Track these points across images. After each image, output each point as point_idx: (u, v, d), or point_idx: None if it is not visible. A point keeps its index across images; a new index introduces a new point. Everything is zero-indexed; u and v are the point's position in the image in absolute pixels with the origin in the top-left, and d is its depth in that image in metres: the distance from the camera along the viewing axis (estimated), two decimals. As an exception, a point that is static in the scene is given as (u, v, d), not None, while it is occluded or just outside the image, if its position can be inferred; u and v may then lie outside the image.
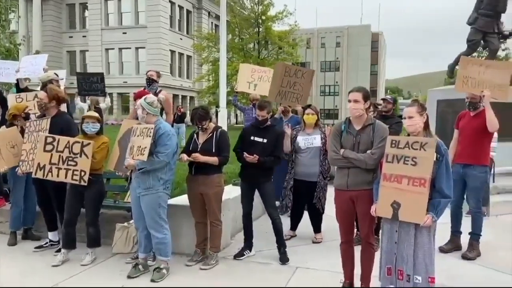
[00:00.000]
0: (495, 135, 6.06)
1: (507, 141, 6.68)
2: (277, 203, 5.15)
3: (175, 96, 39.73)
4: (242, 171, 4.81)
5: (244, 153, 4.51)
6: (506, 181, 7.10)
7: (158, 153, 4.06)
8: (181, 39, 41.16)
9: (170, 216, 4.43)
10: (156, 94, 5.51)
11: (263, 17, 33.73)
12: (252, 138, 4.67)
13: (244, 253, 4.74)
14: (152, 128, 4.02)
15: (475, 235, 4.86)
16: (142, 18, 38.71)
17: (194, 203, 4.56)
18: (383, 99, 5.67)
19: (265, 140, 4.63)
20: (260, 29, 34.09)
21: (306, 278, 4.21)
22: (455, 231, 5.02)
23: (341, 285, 3.76)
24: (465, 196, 5.03)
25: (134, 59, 39.01)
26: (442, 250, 4.91)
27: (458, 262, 4.67)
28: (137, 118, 4.45)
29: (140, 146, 4.05)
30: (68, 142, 4.44)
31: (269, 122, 4.78)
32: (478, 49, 11.27)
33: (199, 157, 4.34)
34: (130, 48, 38.84)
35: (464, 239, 4.97)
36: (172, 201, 4.91)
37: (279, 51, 34.53)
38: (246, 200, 4.79)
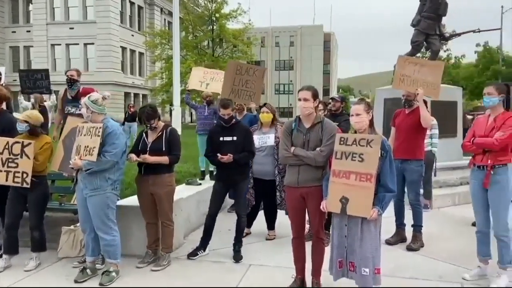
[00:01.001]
0: (436, 132, 6.44)
1: (447, 138, 7.09)
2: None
3: (126, 94, 38.63)
4: (218, 172, 4.78)
5: (218, 154, 4.48)
6: (446, 175, 7.54)
7: (105, 152, 3.93)
8: (132, 35, 40.07)
9: (119, 217, 4.31)
10: (78, 94, 5.39)
11: (217, 15, 33.54)
12: (221, 138, 4.63)
13: (198, 252, 4.70)
14: (100, 127, 3.88)
15: (417, 226, 5.11)
16: (90, 13, 37.26)
17: (144, 204, 4.46)
18: (332, 98, 5.83)
19: (235, 138, 4.61)
20: (214, 27, 33.88)
21: (259, 275, 4.25)
22: (400, 224, 5.25)
23: (292, 280, 3.82)
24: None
25: (83, 56, 37.53)
26: (389, 242, 5.11)
27: (404, 253, 4.88)
28: (65, 118, 4.28)
29: (88, 146, 3.90)
30: (8, 143, 4.21)
31: (234, 120, 4.77)
32: (422, 50, 11.88)
33: (148, 158, 4.25)
34: (78, 44, 37.29)
35: (410, 231, 5.20)
36: (122, 202, 4.78)
37: (234, 49, 34.49)
38: (217, 201, 4.76)
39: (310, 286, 3.75)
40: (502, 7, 29.30)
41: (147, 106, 4.57)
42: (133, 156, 4.26)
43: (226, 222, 5.35)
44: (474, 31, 9.09)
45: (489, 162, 3.91)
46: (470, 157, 4.21)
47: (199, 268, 4.43)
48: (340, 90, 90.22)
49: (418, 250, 4.95)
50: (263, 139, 5.18)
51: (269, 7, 69.04)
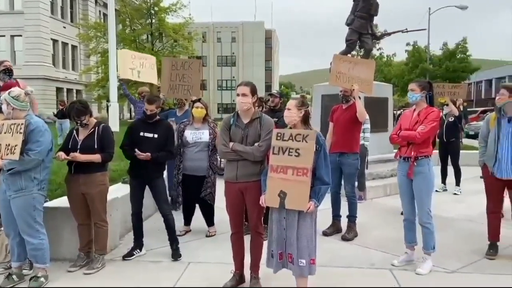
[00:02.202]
0: (368, 126, 6.75)
1: (379, 132, 7.46)
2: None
3: (59, 90, 36.51)
4: (132, 168, 4.61)
5: (136, 150, 4.32)
6: (379, 167, 7.94)
7: (29, 151, 3.66)
8: (64, 27, 37.86)
9: (48, 220, 4.07)
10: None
11: (156, 8, 32.60)
12: (141, 133, 4.48)
13: (134, 252, 4.56)
14: (22, 124, 3.62)
15: (352, 217, 5.33)
16: (18, 3, 34.73)
17: (75, 204, 4.23)
18: (270, 94, 5.91)
19: (155, 136, 4.48)
20: (153, 21, 32.93)
21: (198, 272, 4.21)
22: (336, 215, 5.45)
23: (231, 275, 3.82)
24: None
25: (9, 48, 34.88)
26: (325, 233, 5.30)
27: (339, 244, 5.07)
28: None
29: (9, 144, 3.63)
30: None
31: (158, 117, 4.64)
32: (357, 48, 12.38)
33: (78, 156, 4.03)
34: (4, 36, 34.61)
35: (345, 222, 5.40)
36: (51, 203, 4.54)
37: (174, 44, 33.76)
38: (136, 199, 4.60)
39: (249, 280, 3.78)
40: (429, 9, 31.25)
41: (76, 101, 4.34)
42: (61, 154, 4.02)
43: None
44: (402, 31, 9.62)
45: (412, 154, 4.16)
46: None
47: (135, 269, 4.30)
48: (282, 86, 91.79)
49: (352, 239, 5.16)
50: (196, 134, 5.12)
51: (209, 2, 68.32)
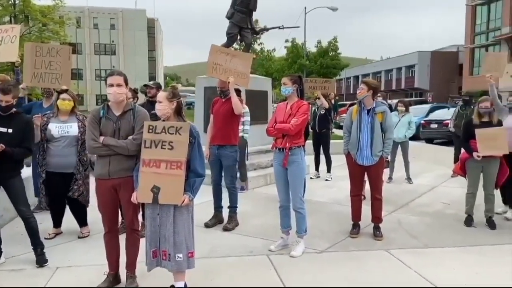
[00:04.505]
0: (248, 119, 6.96)
1: (259, 124, 7.73)
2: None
3: None
4: None
5: None
6: (259, 158, 8.26)
7: None
8: None
9: None
10: None
11: (19, -13, 28.95)
12: None
13: (-10, 262, 4.01)
14: None
15: (233, 207, 5.44)
16: None
17: None
18: (145, 85, 5.71)
19: (10, 130, 3.97)
20: (17, 1, 29.19)
21: (68, 277, 3.87)
22: (217, 207, 5.51)
23: (105, 277, 3.61)
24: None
25: None
26: (207, 225, 5.33)
27: (220, 234, 5.14)
28: None
29: None
30: None
31: (14, 109, 4.11)
32: (240, 42, 12.62)
33: None
34: None
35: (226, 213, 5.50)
36: None
37: (43, 28, 30.40)
38: None
39: (125, 280, 3.61)
40: (305, 8, 33.36)
41: None
42: None
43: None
44: (279, 28, 10.10)
45: (287, 145, 4.41)
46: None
47: (-9, 281, 3.79)
48: (167, 78, 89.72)
49: (233, 229, 5.28)
50: (63, 128, 4.68)
51: (83, -16, 63.15)
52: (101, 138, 3.43)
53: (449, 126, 9.46)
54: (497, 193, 5.70)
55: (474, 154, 5.23)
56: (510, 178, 5.44)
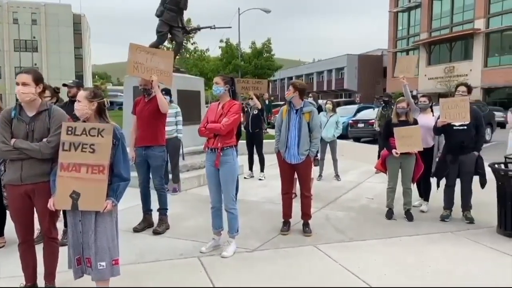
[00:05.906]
0: (181, 119, 6.86)
1: (192, 124, 7.64)
2: None
3: None
4: None
5: None
6: (193, 159, 8.15)
7: None
8: None
9: None
10: None
11: None
12: None
13: None
14: None
15: (163, 210, 5.31)
16: None
17: None
18: (64, 84, 5.39)
19: None
20: None
21: (-23, 294, 3.55)
22: (147, 210, 5.34)
23: (21, 290, 3.35)
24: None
25: None
26: (136, 230, 5.15)
27: (150, 238, 4.98)
28: None
29: None
30: None
31: None
32: (171, 41, 12.35)
33: None
34: None
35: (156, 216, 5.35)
36: None
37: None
38: None
39: (43, 292, 3.38)
40: (239, 9, 33.54)
41: None
42: None
43: None
44: (210, 27, 10.05)
45: (219, 145, 4.38)
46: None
47: None
48: (96, 76, 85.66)
49: (164, 232, 5.15)
50: None
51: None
52: (12, 140, 3.18)
53: (374, 125, 10.03)
54: (414, 187, 6.14)
55: (393, 151, 5.59)
56: (425, 173, 5.89)
